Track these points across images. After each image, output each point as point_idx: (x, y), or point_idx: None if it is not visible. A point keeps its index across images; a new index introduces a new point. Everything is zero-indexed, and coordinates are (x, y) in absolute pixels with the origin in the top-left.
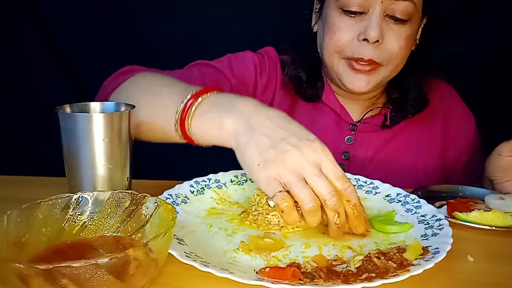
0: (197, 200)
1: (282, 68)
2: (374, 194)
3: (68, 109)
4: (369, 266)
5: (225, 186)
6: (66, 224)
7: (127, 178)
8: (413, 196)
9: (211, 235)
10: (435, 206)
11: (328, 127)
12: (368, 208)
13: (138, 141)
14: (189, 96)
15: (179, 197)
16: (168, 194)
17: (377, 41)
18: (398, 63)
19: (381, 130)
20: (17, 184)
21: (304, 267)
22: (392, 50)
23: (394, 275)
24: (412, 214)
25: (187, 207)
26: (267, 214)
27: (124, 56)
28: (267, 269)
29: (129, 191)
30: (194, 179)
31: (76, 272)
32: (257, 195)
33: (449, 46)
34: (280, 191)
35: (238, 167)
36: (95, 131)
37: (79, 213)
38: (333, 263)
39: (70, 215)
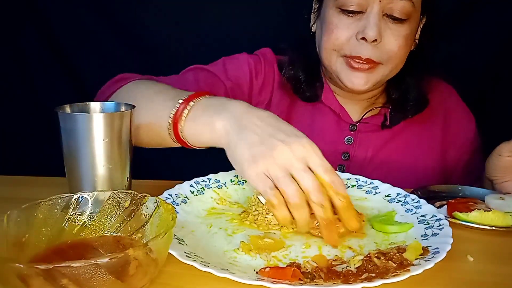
0: (197, 200)
1: (279, 68)
2: (374, 194)
3: (68, 109)
4: (369, 266)
5: (225, 186)
6: (66, 224)
7: (127, 178)
8: (413, 196)
9: (211, 235)
10: (435, 206)
11: (327, 128)
12: (368, 208)
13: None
14: (181, 101)
15: (179, 197)
16: (168, 194)
17: (375, 40)
18: (397, 62)
19: (381, 130)
20: (17, 184)
21: (304, 267)
22: (390, 49)
23: (394, 275)
24: (412, 214)
25: (187, 207)
26: (267, 214)
27: (124, 56)
28: (267, 269)
29: (129, 191)
30: (194, 179)
31: (76, 272)
32: (257, 195)
33: (449, 46)
34: (270, 188)
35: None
36: (95, 131)
37: (79, 213)
38: (333, 263)
39: (70, 215)
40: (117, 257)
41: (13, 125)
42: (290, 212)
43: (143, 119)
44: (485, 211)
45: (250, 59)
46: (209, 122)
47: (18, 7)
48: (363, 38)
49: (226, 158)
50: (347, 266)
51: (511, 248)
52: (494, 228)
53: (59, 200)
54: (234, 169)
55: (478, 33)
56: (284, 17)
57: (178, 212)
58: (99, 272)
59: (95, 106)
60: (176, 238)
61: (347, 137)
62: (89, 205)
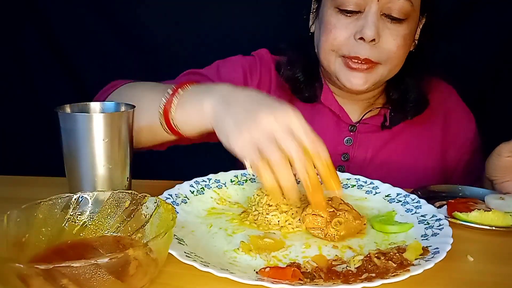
0: (197, 200)
1: (277, 69)
2: (374, 194)
3: (68, 109)
4: (369, 266)
5: (225, 186)
6: (66, 224)
7: (127, 178)
8: (413, 196)
9: (211, 235)
10: (435, 206)
11: (327, 128)
12: (368, 208)
13: None
14: (170, 91)
15: (179, 197)
16: (168, 194)
17: (374, 40)
18: (396, 62)
19: (380, 131)
20: (17, 184)
21: (304, 267)
22: (389, 49)
23: (394, 275)
24: (412, 214)
25: (187, 207)
26: (267, 214)
27: (124, 56)
28: (267, 269)
29: (129, 191)
30: (194, 179)
31: (76, 272)
32: (257, 195)
33: (449, 46)
34: (256, 155)
35: (237, 168)
36: (95, 131)
37: (79, 213)
38: (333, 263)
39: (70, 215)
40: (117, 257)
41: (13, 125)
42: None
43: (136, 117)
44: (485, 211)
45: (244, 61)
46: (198, 104)
47: (18, 7)
48: (361, 38)
49: (226, 158)
50: (347, 266)
51: (511, 248)
52: (494, 228)
53: (59, 200)
54: (234, 169)
55: (478, 33)
56: (284, 17)
57: (178, 212)
58: (99, 272)
59: (95, 106)
60: (176, 238)
61: (347, 137)
62: (89, 205)
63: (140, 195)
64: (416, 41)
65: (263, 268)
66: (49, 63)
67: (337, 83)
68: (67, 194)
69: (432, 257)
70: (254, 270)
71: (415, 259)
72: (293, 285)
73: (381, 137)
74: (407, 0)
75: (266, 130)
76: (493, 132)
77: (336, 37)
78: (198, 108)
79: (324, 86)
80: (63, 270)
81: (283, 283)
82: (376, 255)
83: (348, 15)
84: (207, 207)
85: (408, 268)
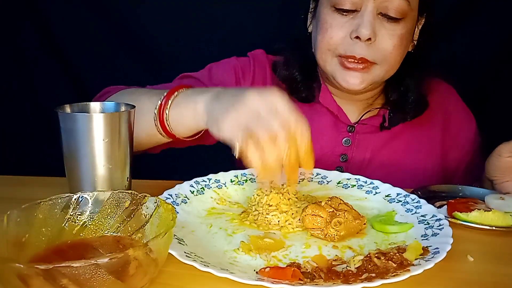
0: (197, 200)
1: (273, 69)
2: (374, 194)
3: (68, 109)
4: (369, 266)
5: (225, 186)
6: (66, 224)
7: (127, 178)
8: (413, 196)
9: (211, 235)
10: (435, 206)
11: (325, 129)
12: (368, 208)
13: None
14: (165, 94)
15: (179, 197)
16: (168, 194)
17: (369, 39)
18: (393, 62)
19: (379, 132)
20: (17, 184)
21: (304, 267)
22: (385, 48)
23: (394, 275)
24: (412, 214)
25: (187, 207)
26: (267, 214)
27: (124, 56)
28: (267, 269)
29: (129, 191)
30: (194, 179)
31: (76, 272)
32: (257, 195)
33: (449, 46)
34: (242, 135)
35: (237, 168)
36: (95, 131)
37: (79, 213)
38: (333, 263)
39: (70, 215)
40: (117, 257)
41: (13, 125)
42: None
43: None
44: (485, 211)
45: (237, 63)
46: (192, 104)
47: (18, 7)
48: (357, 37)
49: (226, 158)
50: (347, 266)
51: (511, 248)
52: (494, 228)
53: (59, 200)
54: (234, 169)
55: (478, 33)
56: (284, 17)
57: (178, 212)
58: (99, 272)
59: (95, 106)
60: (176, 238)
61: (345, 138)
62: (89, 205)
63: (140, 195)
64: (415, 42)
65: (263, 268)
66: (49, 63)
67: (334, 83)
68: (67, 194)
69: (432, 257)
70: (254, 270)
71: (415, 259)
72: (293, 285)
73: (380, 138)
74: None
75: (252, 109)
76: (493, 132)
77: (332, 36)
78: (192, 108)
79: (322, 86)
80: (63, 270)
81: (283, 283)
82: (376, 255)
83: (344, 14)
84: (207, 207)
85: (408, 268)
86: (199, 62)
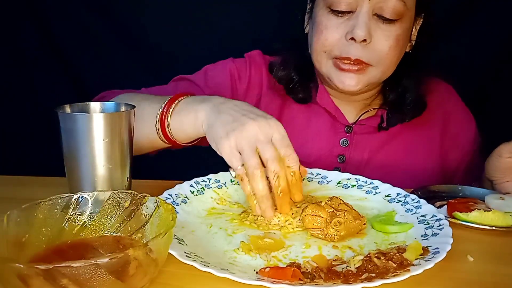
0: (197, 200)
1: (270, 70)
2: (374, 194)
3: (68, 109)
4: (369, 266)
5: (225, 186)
6: (66, 224)
7: (127, 178)
8: (413, 196)
9: (211, 235)
10: (435, 206)
11: (322, 129)
12: (368, 208)
13: None
14: (166, 101)
15: (179, 197)
16: (168, 194)
17: (365, 40)
18: (389, 64)
19: (377, 132)
20: (17, 184)
21: (304, 267)
22: (381, 49)
23: (394, 275)
24: (412, 214)
25: (187, 207)
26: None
27: (123, 56)
28: (267, 269)
29: (129, 191)
30: (194, 179)
31: (76, 272)
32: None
33: (449, 46)
34: (240, 163)
35: None
36: (95, 131)
37: (79, 213)
38: (333, 263)
39: (70, 215)
40: (117, 257)
41: (13, 125)
42: None
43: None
44: (485, 211)
45: (232, 65)
46: (192, 112)
47: (18, 7)
48: (352, 39)
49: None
50: (347, 266)
51: (511, 248)
52: (494, 228)
53: (59, 200)
54: None
55: (478, 33)
56: (283, 17)
57: (178, 212)
58: (99, 272)
59: (95, 106)
60: (176, 238)
61: (343, 139)
62: (89, 205)
63: (140, 195)
64: (413, 42)
65: (263, 268)
66: (49, 63)
67: (330, 84)
68: (67, 194)
69: (432, 257)
70: (254, 270)
71: (415, 259)
72: (293, 285)
73: (378, 138)
74: (400, 0)
75: (249, 136)
76: (493, 132)
77: (327, 37)
78: (193, 116)
79: (319, 86)
80: (63, 270)
81: (283, 283)
82: (376, 255)
83: (340, 15)
84: (207, 207)
85: (408, 268)
86: (199, 62)
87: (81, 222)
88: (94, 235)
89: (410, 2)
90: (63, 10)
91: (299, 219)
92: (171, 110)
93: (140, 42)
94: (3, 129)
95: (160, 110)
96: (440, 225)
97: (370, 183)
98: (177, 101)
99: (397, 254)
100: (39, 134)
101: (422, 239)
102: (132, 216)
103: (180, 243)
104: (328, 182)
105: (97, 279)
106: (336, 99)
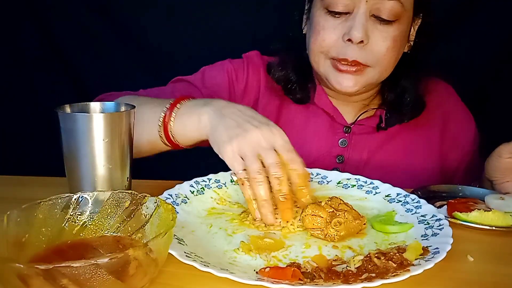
0: (197, 200)
1: (268, 70)
2: (374, 194)
3: (68, 109)
4: (369, 266)
5: (225, 186)
6: (66, 224)
7: (127, 178)
8: (413, 196)
9: (211, 235)
10: (435, 206)
11: (321, 130)
12: (368, 208)
13: None
14: (168, 105)
15: (179, 197)
16: (168, 194)
17: (362, 41)
18: (387, 65)
19: (376, 132)
20: (17, 184)
21: (304, 267)
22: (378, 51)
23: (394, 275)
24: (412, 214)
25: (187, 207)
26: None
27: (123, 56)
28: (267, 269)
29: (129, 191)
30: (194, 179)
31: (76, 272)
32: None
33: (449, 46)
34: (242, 168)
35: None
36: (95, 131)
37: (79, 213)
38: (333, 263)
39: (70, 215)
40: (117, 257)
41: (13, 125)
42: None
43: (135, 130)
44: (485, 211)
45: (230, 66)
46: (195, 115)
47: (18, 7)
48: (349, 40)
49: None
50: (347, 266)
51: (511, 248)
52: (494, 228)
53: (59, 200)
54: None
55: (478, 33)
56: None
57: (178, 212)
58: (99, 272)
59: (95, 106)
60: (176, 238)
61: (341, 139)
62: (89, 205)
63: (140, 195)
64: (411, 42)
65: (263, 268)
66: (49, 63)
67: (328, 85)
68: (67, 194)
69: (432, 257)
70: (254, 270)
71: (415, 259)
72: (293, 285)
73: (377, 138)
74: (397, 0)
75: (251, 142)
76: (493, 132)
77: (325, 38)
78: (196, 119)
79: (317, 87)
80: (63, 270)
81: (283, 283)
82: (376, 255)
83: (337, 16)
84: (207, 207)
85: (408, 268)
86: (198, 62)
87: (81, 222)
88: (94, 235)
89: (408, 3)
90: (63, 10)
91: (299, 219)
92: (174, 113)
93: (140, 42)
94: (3, 129)
95: (163, 113)
96: (440, 225)
97: (370, 183)
98: (179, 104)
99: (397, 254)
100: (39, 134)
101: (422, 239)
102: (132, 216)
103: (180, 243)
104: (328, 182)
105: (97, 279)
106: (334, 100)
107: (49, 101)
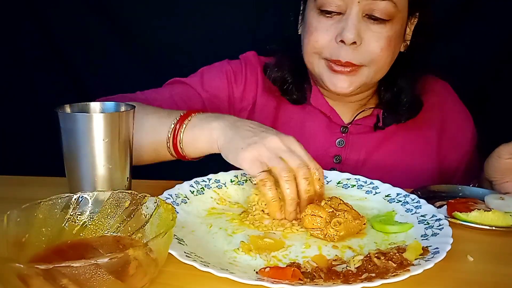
0: (197, 200)
1: (265, 71)
2: (374, 194)
3: (68, 109)
4: (369, 266)
5: (225, 186)
6: (66, 224)
7: (127, 178)
8: (413, 196)
9: (211, 235)
10: (435, 206)
11: (318, 130)
12: (368, 208)
13: None
14: (178, 118)
15: (179, 197)
16: (168, 194)
17: (354, 42)
18: (382, 64)
19: (373, 132)
20: (17, 184)
21: (304, 267)
22: (372, 51)
23: (394, 275)
24: (412, 214)
25: (187, 207)
26: (267, 213)
27: (123, 56)
28: (267, 269)
29: (129, 191)
30: (194, 179)
31: (76, 272)
32: (256, 194)
33: (449, 46)
34: (262, 169)
35: (237, 167)
36: (95, 131)
37: (79, 213)
38: (333, 263)
39: (70, 215)
40: (117, 257)
41: (13, 125)
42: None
43: (137, 136)
44: (485, 211)
45: (228, 67)
46: (207, 129)
47: (18, 7)
48: (342, 41)
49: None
50: (347, 266)
51: (511, 248)
52: (494, 228)
53: (59, 200)
54: (234, 169)
55: (478, 33)
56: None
57: (178, 212)
58: (99, 272)
59: (95, 106)
60: (176, 238)
61: (339, 139)
62: (89, 205)
63: (140, 195)
64: (408, 42)
65: (263, 268)
66: (49, 63)
67: (322, 85)
68: (67, 194)
69: (432, 257)
70: (254, 270)
71: (415, 259)
72: (293, 285)
73: (374, 138)
74: (390, 1)
75: (271, 148)
76: (493, 132)
77: (318, 39)
78: (207, 133)
79: (313, 87)
80: (63, 270)
81: (283, 283)
82: (376, 255)
83: (329, 16)
84: (207, 207)
85: (408, 268)
86: (198, 62)
87: (81, 222)
88: (94, 235)
89: (401, 3)
90: (63, 10)
91: (299, 219)
92: (184, 125)
93: (140, 42)
94: (3, 129)
95: (173, 125)
96: (440, 225)
97: (370, 183)
98: (190, 117)
99: (397, 254)
100: (39, 134)
101: (422, 239)
102: (132, 216)
103: (180, 243)
104: (328, 182)
105: (97, 279)
106: (331, 100)
107: (49, 101)
